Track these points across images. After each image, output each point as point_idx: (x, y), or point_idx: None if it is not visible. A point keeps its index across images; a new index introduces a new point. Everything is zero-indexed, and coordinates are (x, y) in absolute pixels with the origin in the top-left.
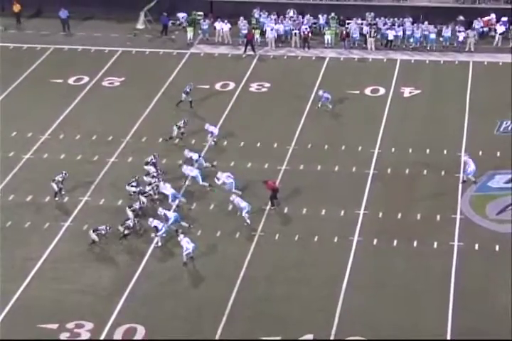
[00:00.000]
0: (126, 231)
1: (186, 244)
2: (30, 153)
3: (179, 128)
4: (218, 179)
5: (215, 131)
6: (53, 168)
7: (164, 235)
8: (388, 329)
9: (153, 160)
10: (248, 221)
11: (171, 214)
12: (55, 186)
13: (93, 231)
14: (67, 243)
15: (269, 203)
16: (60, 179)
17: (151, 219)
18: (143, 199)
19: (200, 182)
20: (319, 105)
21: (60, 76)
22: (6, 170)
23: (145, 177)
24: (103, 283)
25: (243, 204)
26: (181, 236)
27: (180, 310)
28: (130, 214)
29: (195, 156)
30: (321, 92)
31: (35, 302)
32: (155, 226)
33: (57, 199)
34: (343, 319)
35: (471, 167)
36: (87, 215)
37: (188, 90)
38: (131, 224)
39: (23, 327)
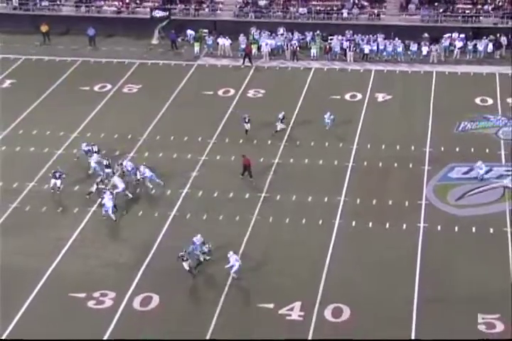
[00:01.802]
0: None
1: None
2: (62, 149)
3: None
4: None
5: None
6: (81, 161)
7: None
8: (365, 297)
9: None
10: (235, 275)
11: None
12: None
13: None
14: (93, 225)
15: (241, 173)
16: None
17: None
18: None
19: (156, 180)
20: (327, 128)
21: (87, 84)
22: (41, 163)
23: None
24: (123, 258)
25: (236, 262)
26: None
27: (189, 282)
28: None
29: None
30: (327, 115)
31: (66, 275)
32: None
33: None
34: (326, 289)
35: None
36: None
37: (246, 119)
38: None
39: (56, 295)
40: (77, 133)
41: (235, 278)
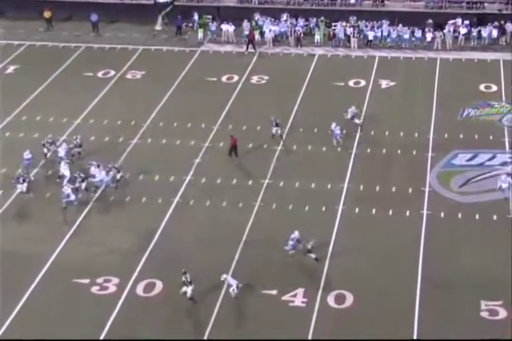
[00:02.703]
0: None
1: (231, 281)
2: (65, 135)
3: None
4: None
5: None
6: (85, 148)
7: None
8: (368, 283)
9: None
10: (233, 295)
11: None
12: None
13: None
14: (97, 211)
15: (228, 153)
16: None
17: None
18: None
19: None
20: (334, 143)
21: (90, 70)
22: (43, 150)
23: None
24: (127, 244)
25: (232, 281)
26: (224, 275)
27: (192, 268)
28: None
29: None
30: (333, 126)
31: (71, 260)
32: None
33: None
34: (329, 275)
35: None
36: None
37: (277, 122)
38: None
39: (60, 281)
40: (81, 119)
41: (234, 297)
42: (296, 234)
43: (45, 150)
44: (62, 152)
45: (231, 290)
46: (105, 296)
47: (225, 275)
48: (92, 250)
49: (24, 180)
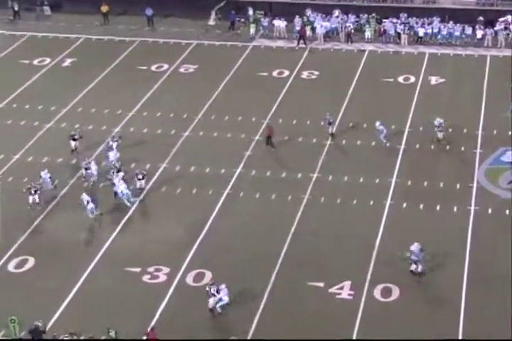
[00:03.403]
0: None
1: (225, 296)
2: (119, 127)
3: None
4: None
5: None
6: (138, 139)
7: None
8: (414, 277)
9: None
10: (219, 310)
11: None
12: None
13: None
14: (148, 202)
15: (266, 143)
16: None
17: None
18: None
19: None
20: (384, 141)
21: (144, 63)
22: (99, 141)
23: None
24: (178, 234)
25: (225, 297)
26: (223, 285)
27: (241, 258)
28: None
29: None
30: (377, 124)
31: (123, 249)
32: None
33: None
34: (376, 268)
35: None
36: (165, 180)
37: (330, 121)
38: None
39: (112, 269)
40: (134, 111)
41: (218, 312)
42: (415, 245)
43: (73, 143)
44: (112, 153)
45: (218, 305)
46: (156, 285)
47: (223, 286)
48: (143, 240)
49: (36, 191)
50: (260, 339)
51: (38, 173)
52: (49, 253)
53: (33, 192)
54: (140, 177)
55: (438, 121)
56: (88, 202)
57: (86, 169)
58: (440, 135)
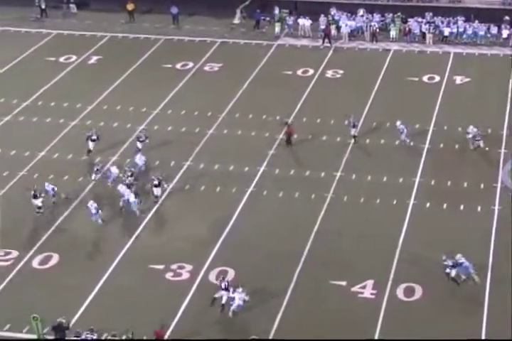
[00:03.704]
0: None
1: (238, 300)
2: (144, 124)
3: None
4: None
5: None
6: (162, 137)
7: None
8: (437, 277)
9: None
10: (231, 314)
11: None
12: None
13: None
14: (172, 200)
15: (285, 143)
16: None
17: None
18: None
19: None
20: (407, 140)
21: (169, 62)
22: (124, 139)
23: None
24: (201, 233)
25: (240, 301)
26: (240, 289)
27: (264, 257)
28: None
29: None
30: (398, 124)
31: (147, 247)
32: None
33: None
34: (399, 268)
35: None
36: (189, 177)
37: (354, 123)
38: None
39: (136, 266)
40: (159, 109)
41: (231, 315)
42: (458, 257)
43: (90, 144)
44: (138, 157)
45: (231, 308)
46: (178, 282)
47: (240, 290)
48: (167, 237)
49: (37, 196)
50: (281, 339)
51: (63, 170)
52: (73, 249)
53: (37, 195)
54: (156, 183)
55: (472, 130)
56: (95, 210)
57: (96, 171)
58: (480, 144)
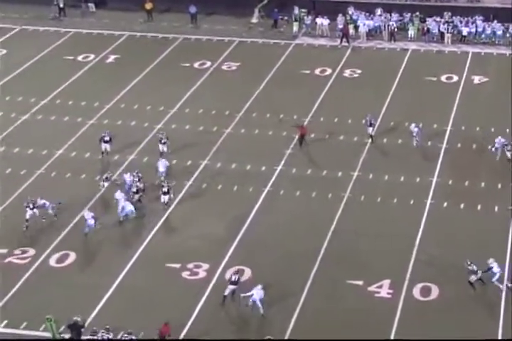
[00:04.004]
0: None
1: (255, 293)
2: (161, 123)
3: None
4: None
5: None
6: (180, 136)
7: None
8: (454, 277)
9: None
10: (261, 311)
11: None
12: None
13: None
14: (189, 199)
15: (299, 144)
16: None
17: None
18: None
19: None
20: (414, 144)
21: (187, 61)
22: (141, 138)
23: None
24: (218, 231)
25: (257, 296)
26: (259, 286)
27: (280, 256)
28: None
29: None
30: (412, 126)
31: (164, 245)
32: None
33: None
34: (416, 268)
35: None
36: (206, 176)
37: (371, 122)
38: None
39: (153, 265)
40: (177, 108)
41: (248, 305)
42: (490, 261)
43: (103, 146)
44: (161, 163)
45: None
46: (195, 281)
47: (260, 287)
48: (184, 236)
49: (32, 208)
50: (297, 339)
51: (80, 169)
52: (90, 248)
53: (31, 206)
54: (165, 190)
55: (500, 140)
56: (89, 219)
57: (105, 179)
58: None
